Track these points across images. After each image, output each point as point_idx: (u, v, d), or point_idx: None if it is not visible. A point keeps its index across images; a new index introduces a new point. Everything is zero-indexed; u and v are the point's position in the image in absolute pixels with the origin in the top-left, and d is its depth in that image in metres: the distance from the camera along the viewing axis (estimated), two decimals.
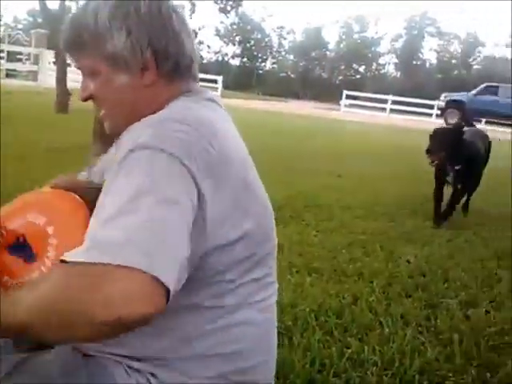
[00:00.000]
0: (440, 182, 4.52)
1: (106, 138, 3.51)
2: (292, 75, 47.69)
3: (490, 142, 5.16)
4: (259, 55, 49.00)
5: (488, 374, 2.04)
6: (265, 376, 1.21)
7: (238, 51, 49.04)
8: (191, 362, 1.09)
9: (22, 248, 1.03)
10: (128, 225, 0.85)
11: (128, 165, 0.93)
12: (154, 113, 1.09)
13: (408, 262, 3.32)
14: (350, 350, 2.10)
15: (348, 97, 26.05)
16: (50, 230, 1.03)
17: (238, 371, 1.13)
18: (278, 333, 2.15)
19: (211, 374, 1.11)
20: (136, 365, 1.10)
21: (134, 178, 0.90)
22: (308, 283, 2.78)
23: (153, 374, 1.10)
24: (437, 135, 4.33)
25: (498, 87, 22.79)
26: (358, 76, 48.40)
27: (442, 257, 3.50)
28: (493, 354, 2.21)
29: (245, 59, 48.37)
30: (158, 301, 0.83)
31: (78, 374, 1.11)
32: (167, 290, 0.83)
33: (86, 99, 1.14)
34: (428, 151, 4.20)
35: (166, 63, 1.09)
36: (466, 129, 5.33)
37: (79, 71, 1.15)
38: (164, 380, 1.09)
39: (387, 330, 2.31)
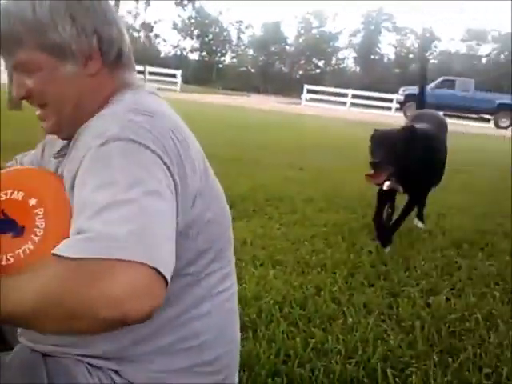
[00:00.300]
0: (383, 203, 3.55)
1: None
2: (252, 70, 47.73)
3: (446, 127, 4.04)
4: (218, 49, 48.80)
5: (450, 359, 2.07)
6: (230, 366, 1.21)
7: (197, 45, 48.74)
8: (157, 357, 1.08)
9: (5, 224, 1.00)
10: (122, 217, 0.82)
11: (104, 157, 0.90)
12: (100, 106, 1.07)
13: (370, 252, 3.35)
14: (313, 340, 2.10)
15: (308, 91, 26.25)
16: (32, 201, 1.01)
17: (203, 363, 1.13)
18: (243, 326, 2.16)
19: (177, 368, 1.10)
20: (98, 363, 1.08)
21: (116, 170, 0.88)
22: (271, 276, 2.77)
23: (116, 372, 1.08)
24: (382, 141, 3.08)
25: (454, 81, 23.38)
26: (317, 70, 48.80)
27: (403, 246, 3.55)
28: (454, 339, 2.25)
29: (204, 53, 48.11)
30: (161, 294, 0.81)
31: (38, 374, 1.08)
32: (166, 282, 0.82)
33: (22, 98, 1.08)
34: (374, 165, 3.01)
35: (110, 51, 1.07)
36: (417, 112, 4.23)
37: None
38: (128, 377, 1.08)
39: (350, 319, 2.33)
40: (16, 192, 1.03)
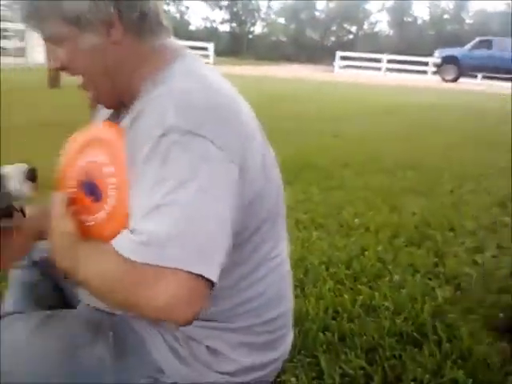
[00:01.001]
0: None
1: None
2: (283, 39, 46.95)
3: None
4: (248, 19, 48.09)
5: (501, 315, 2.07)
6: (286, 325, 1.26)
7: (226, 16, 48.12)
8: (217, 317, 1.12)
9: (91, 187, 1.04)
10: (173, 219, 0.87)
11: (162, 152, 0.91)
12: (145, 77, 1.05)
13: (413, 213, 3.34)
14: (361, 297, 2.13)
15: (341, 58, 25.73)
16: (109, 169, 1.02)
17: (262, 323, 1.17)
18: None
19: (236, 327, 1.14)
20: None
21: (171, 166, 0.91)
22: (315, 238, 2.81)
23: (177, 328, 1.13)
24: None
25: (491, 41, 22.54)
26: (350, 36, 47.71)
27: (446, 206, 3.52)
28: (503, 295, 2.25)
29: (234, 24, 47.51)
30: (203, 300, 0.88)
31: (102, 326, 1.14)
32: (212, 283, 0.88)
33: (58, 70, 1.10)
34: None
35: (131, 15, 1.02)
36: None
37: None
38: (189, 333, 1.12)
39: (397, 277, 2.35)
40: (101, 155, 1.04)
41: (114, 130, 1.08)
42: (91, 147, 1.07)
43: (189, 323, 0.88)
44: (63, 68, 1.08)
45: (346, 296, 2.12)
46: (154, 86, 1.02)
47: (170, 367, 1.13)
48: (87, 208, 1.04)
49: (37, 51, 16.23)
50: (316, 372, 1.69)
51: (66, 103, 7.43)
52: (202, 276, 0.86)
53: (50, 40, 1.06)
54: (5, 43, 19.18)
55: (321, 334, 1.85)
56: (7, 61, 16.47)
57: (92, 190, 1.03)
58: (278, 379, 1.55)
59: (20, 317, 1.24)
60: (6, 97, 7.49)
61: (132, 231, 0.90)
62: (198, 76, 1.05)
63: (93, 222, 1.03)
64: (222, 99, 1.02)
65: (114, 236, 0.97)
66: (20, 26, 17.88)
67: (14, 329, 1.16)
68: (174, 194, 0.88)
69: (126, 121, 1.06)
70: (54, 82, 10.53)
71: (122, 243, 0.90)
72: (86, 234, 1.01)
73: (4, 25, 20.00)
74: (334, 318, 1.99)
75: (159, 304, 0.85)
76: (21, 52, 17.53)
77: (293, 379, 1.64)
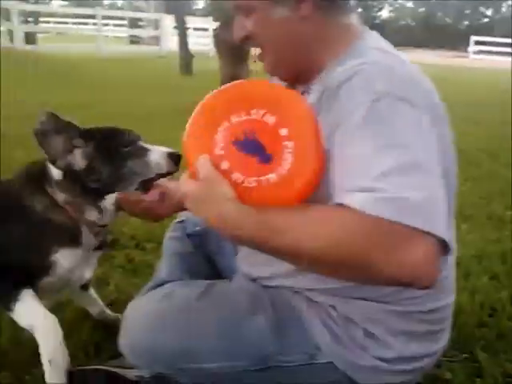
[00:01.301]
0: None
1: None
2: (412, 23, 45.10)
3: None
4: (374, 4, 46.74)
5: None
6: (447, 318, 1.21)
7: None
8: (385, 299, 1.09)
9: (253, 146, 0.94)
10: (413, 183, 0.82)
11: (382, 116, 0.89)
12: (323, 51, 1.07)
13: None
14: None
15: (476, 43, 24.17)
16: (283, 131, 0.94)
17: (427, 311, 1.13)
18: None
19: (397, 310, 1.11)
20: (315, 296, 1.12)
21: (398, 131, 0.88)
22: (464, 230, 2.65)
23: (333, 307, 1.12)
24: None
25: None
26: (485, 20, 44.63)
27: None
28: None
29: (360, 9, 46.44)
30: (440, 267, 0.83)
31: (262, 300, 1.16)
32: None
33: (242, 40, 1.12)
34: None
35: None
36: None
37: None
38: (344, 313, 1.11)
39: None
40: (269, 115, 0.95)
41: (289, 93, 1.01)
42: (257, 105, 0.96)
43: (428, 288, 0.81)
44: (248, 38, 1.11)
45: (503, 292, 1.97)
46: (344, 60, 1.02)
47: (326, 346, 1.12)
48: (247, 168, 0.93)
49: (170, 40, 16.94)
50: (473, 369, 1.59)
51: (199, 89, 7.73)
52: (442, 243, 0.81)
53: (241, 9, 1.10)
54: (139, 32, 20.40)
55: (477, 330, 1.75)
56: (142, 49, 17.50)
57: (256, 149, 0.94)
58: (433, 373, 1.47)
59: (182, 284, 1.30)
60: (140, 84, 7.97)
61: (363, 190, 0.81)
62: (387, 52, 1.05)
63: (255, 184, 0.92)
64: (417, 76, 1.02)
65: (286, 200, 0.90)
66: (154, 16, 18.92)
67: (177, 295, 1.22)
68: (410, 158, 0.84)
69: (314, 91, 1.07)
70: (186, 68, 11.04)
71: (356, 199, 0.80)
72: (243, 195, 0.91)
73: (139, 15, 21.27)
74: (490, 315, 1.86)
75: (410, 262, 0.78)
76: (155, 41, 18.39)
77: (448, 374, 1.56)
